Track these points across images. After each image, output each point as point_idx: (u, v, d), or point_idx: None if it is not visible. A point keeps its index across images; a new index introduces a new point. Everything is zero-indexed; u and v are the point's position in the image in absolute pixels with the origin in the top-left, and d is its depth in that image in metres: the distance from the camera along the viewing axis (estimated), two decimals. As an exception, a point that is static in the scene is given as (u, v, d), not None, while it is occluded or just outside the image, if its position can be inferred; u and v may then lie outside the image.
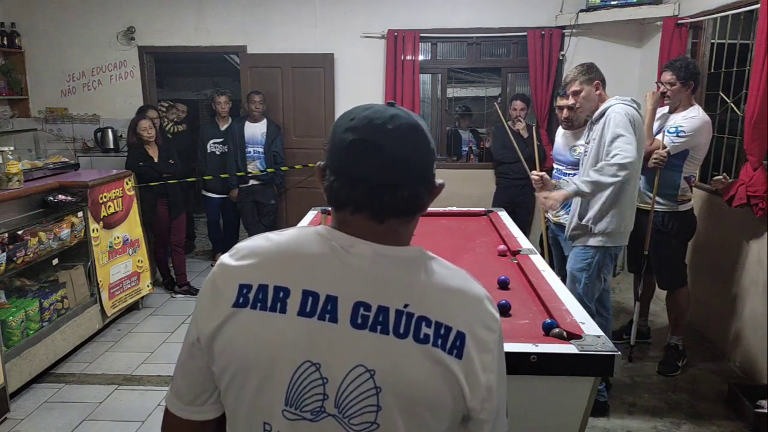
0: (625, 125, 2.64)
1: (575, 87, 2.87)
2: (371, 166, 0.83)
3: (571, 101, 3.01)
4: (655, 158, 3.10)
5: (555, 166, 3.60)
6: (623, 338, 3.62)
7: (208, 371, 0.88)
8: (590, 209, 2.82)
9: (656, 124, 3.29)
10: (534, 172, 3.11)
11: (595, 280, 2.85)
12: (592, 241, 2.81)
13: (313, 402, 0.80)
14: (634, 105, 2.75)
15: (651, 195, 3.24)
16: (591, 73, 2.84)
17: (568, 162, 3.44)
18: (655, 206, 3.24)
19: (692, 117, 3.12)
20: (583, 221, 2.85)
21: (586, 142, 2.95)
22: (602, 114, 2.78)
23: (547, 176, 3.12)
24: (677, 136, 3.10)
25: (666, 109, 3.32)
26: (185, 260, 4.94)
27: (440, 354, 0.80)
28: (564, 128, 3.50)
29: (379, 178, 0.83)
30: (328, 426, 0.81)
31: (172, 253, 4.86)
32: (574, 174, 3.21)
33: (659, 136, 3.17)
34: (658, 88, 3.25)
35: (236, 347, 0.83)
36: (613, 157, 2.61)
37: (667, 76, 3.18)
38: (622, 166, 2.58)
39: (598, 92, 2.84)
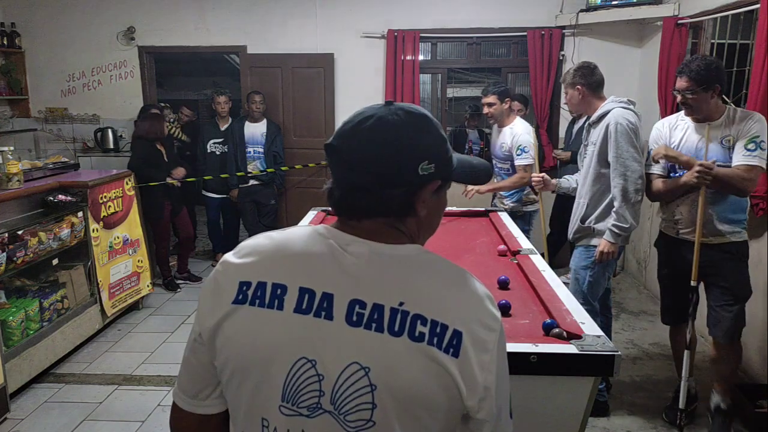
0: (626, 137, 2.66)
1: (563, 90, 2.99)
2: (337, 170, 0.88)
3: (491, 99, 3.79)
4: (699, 170, 2.46)
5: (493, 161, 4.01)
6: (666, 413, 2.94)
7: (210, 367, 0.89)
8: (593, 212, 2.84)
9: (695, 140, 2.63)
10: (534, 174, 3.14)
11: (599, 278, 2.86)
12: (595, 241, 2.83)
13: (310, 398, 0.81)
14: (632, 107, 2.77)
15: (726, 227, 2.62)
16: (575, 77, 2.86)
17: (500, 157, 3.87)
18: (731, 238, 2.63)
19: (759, 119, 2.50)
20: (585, 224, 2.87)
21: (584, 145, 2.96)
22: (600, 117, 2.79)
23: (547, 177, 3.13)
24: (761, 149, 2.45)
25: (679, 121, 2.73)
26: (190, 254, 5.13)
27: (435, 352, 0.80)
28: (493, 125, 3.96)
29: (343, 181, 0.87)
30: (324, 422, 0.81)
31: (181, 247, 5.03)
32: (501, 168, 3.90)
33: (749, 161, 2.46)
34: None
35: (235, 343, 0.85)
36: (623, 181, 2.66)
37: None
38: (636, 191, 2.67)
39: (581, 96, 2.86)
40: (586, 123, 2.95)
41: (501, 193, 3.93)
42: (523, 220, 3.89)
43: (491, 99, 3.78)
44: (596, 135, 2.80)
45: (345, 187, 0.87)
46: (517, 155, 3.72)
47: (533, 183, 3.14)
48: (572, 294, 2.90)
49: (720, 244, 2.65)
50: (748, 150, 2.45)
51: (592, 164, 2.82)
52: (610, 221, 2.72)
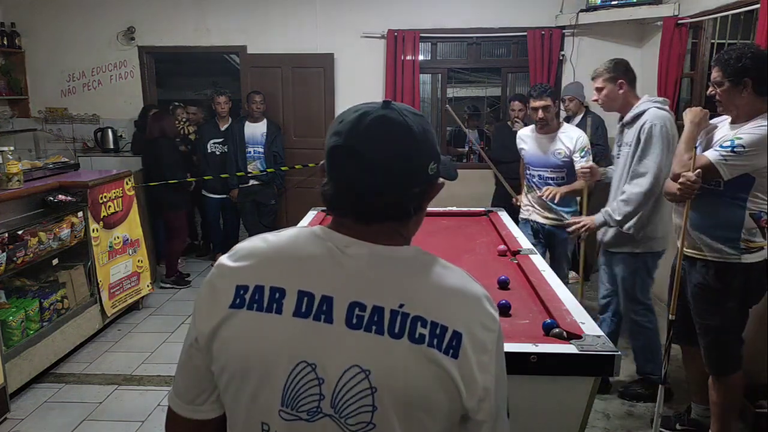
0: (662, 141, 2.64)
1: (598, 84, 2.86)
2: (351, 173, 0.84)
3: (547, 102, 3.31)
4: (682, 182, 2.26)
5: (533, 172, 3.57)
6: (676, 428, 2.79)
7: (207, 371, 0.89)
8: (632, 219, 2.81)
9: (715, 139, 2.39)
10: (582, 165, 3.18)
11: (647, 279, 2.92)
12: (640, 248, 2.84)
13: (310, 402, 0.81)
14: (666, 107, 2.74)
15: (704, 238, 2.36)
16: (616, 71, 2.80)
17: (555, 165, 3.43)
18: (708, 254, 2.35)
19: (761, 126, 2.17)
20: (624, 229, 2.83)
21: (618, 146, 2.94)
22: (635, 118, 2.75)
23: (595, 166, 3.12)
24: (732, 151, 2.17)
25: (725, 119, 2.39)
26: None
27: (435, 354, 0.80)
28: (538, 131, 3.49)
29: (359, 185, 0.84)
30: (325, 426, 0.81)
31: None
32: (555, 177, 3.42)
33: (708, 153, 2.25)
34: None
35: (233, 348, 0.84)
36: (639, 180, 2.69)
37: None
38: (645, 198, 2.69)
39: (621, 91, 2.80)
40: (620, 123, 2.90)
41: (551, 204, 3.41)
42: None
43: (547, 101, 3.32)
44: (631, 136, 2.76)
45: (359, 190, 0.84)
46: (582, 157, 3.30)
47: (581, 173, 3.10)
48: (624, 301, 2.96)
49: (694, 258, 2.40)
50: (721, 146, 2.21)
51: (626, 167, 2.80)
52: (617, 208, 2.75)
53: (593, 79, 2.90)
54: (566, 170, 3.40)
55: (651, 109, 2.70)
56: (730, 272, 2.32)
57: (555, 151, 3.41)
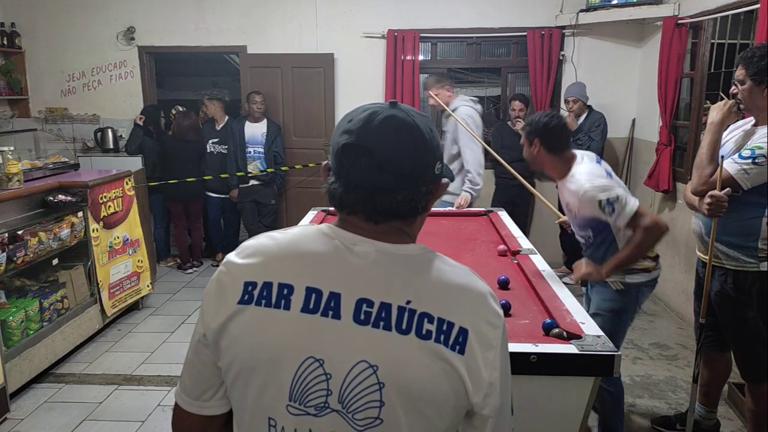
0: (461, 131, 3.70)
1: (432, 92, 3.89)
2: (363, 171, 0.84)
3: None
4: (709, 202, 2.14)
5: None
6: (677, 429, 2.74)
7: (214, 368, 0.90)
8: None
9: (731, 142, 2.29)
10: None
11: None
12: None
13: (317, 397, 0.82)
14: (470, 103, 3.83)
15: (720, 246, 2.28)
16: (441, 80, 3.90)
17: (575, 224, 2.46)
18: (725, 262, 2.27)
19: None
20: None
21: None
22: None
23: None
24: (753, 163, 2.08)
25: (749, 122, 2.28)
26: None
27: (442, 350, 0.81)
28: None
29: (370, 183, 0.84)
30: (332, 421, 0.82)
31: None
32: (584, 236, 2.43)
33: (727, 165, 2.13)
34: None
35: (241, 344, 0.85)
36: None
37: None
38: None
39: (449, 95, 3.91)
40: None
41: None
42: (627, 296, 2.35)
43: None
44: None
45: (371, 188, 0.85)
46: (610, 213, 2.16)
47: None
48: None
49: (713, 266, 2.28)
50: (742, 156, 2.11)
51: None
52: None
53: (425, 89, 3.93)
54: (592, 230, 2.34)
55: (461, 107, 3.79)
56: (748, 281, 2.26)
57: (566, 204, 2.41)
